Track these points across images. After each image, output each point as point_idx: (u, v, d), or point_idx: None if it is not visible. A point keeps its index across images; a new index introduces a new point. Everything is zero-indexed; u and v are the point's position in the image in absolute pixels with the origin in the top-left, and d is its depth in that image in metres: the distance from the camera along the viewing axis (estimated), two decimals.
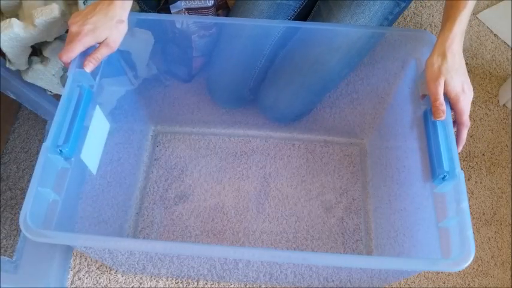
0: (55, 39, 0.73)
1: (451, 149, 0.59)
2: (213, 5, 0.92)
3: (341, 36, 0.79)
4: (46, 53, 0.74)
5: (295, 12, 0.87)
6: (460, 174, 0.57)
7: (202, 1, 0.91)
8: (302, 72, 0.83)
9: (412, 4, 1.23)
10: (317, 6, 0.88)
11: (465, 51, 1.14)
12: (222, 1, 0.98)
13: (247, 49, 0.84)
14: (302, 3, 0.86)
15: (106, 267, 0.84)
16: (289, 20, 0.88)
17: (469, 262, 0.51)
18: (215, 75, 0.90)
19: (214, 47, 0.87)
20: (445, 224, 0.57)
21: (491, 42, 1.16)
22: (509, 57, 1.14)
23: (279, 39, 0.83)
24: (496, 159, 0.99)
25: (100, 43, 0.63)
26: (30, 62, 0.76)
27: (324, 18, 0.84)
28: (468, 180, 0.96)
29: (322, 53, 0.81)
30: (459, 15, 0.63)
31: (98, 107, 0.70)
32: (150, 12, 0.94)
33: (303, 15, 0.88)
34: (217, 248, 0.56)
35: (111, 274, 0.84)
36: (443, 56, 0.62)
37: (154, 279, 0.83)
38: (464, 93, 0.62)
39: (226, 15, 0.98)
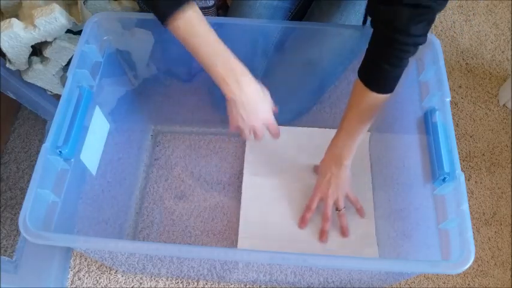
0: (55, 39, 0.73)
1: (451, 150, 0.59)
2: (214, 5, 0.92)
3: (332, 35, 0.79)
4: (46, 53, 0.74)
5: (291, 13, 0.87)
6: (460, 176, 0.57)
7: (203, 1, 0.91)
8: (297, 72, 0.84)
9: None
10: (311, 7, 0.88)
11: (465, 51, 1.14)
12: (222, 1, 0.98)
13: (246, 50, 0.84)
14: (298, 4, 0.87)
15: (106, 267, 0.85)
16: None
17: (469, 265, 0.51)
18: None
19: None
20: (445, 226, 0.57)
21: (491, 42, 1.16)
22: (509, 57, 1.14)
23: (276, 40, 0.83)
24: (496, 159, 0.98)
25: None
26: (30, 62, 0.75)
27: (316, 18, 0.84)
28: (468, 180, 0.96)
29: (314, 52, 0.81)
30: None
31: (97, 107, 0.70)
32: (150, 12, 0.94)
33: (299, 17, 0.89)
34: (217, 250, 0.56)
35: (111, 274, 0.84)
36: None
37: (154, 279, 0.83)
38: None
39: (225, 16, 0.98)
